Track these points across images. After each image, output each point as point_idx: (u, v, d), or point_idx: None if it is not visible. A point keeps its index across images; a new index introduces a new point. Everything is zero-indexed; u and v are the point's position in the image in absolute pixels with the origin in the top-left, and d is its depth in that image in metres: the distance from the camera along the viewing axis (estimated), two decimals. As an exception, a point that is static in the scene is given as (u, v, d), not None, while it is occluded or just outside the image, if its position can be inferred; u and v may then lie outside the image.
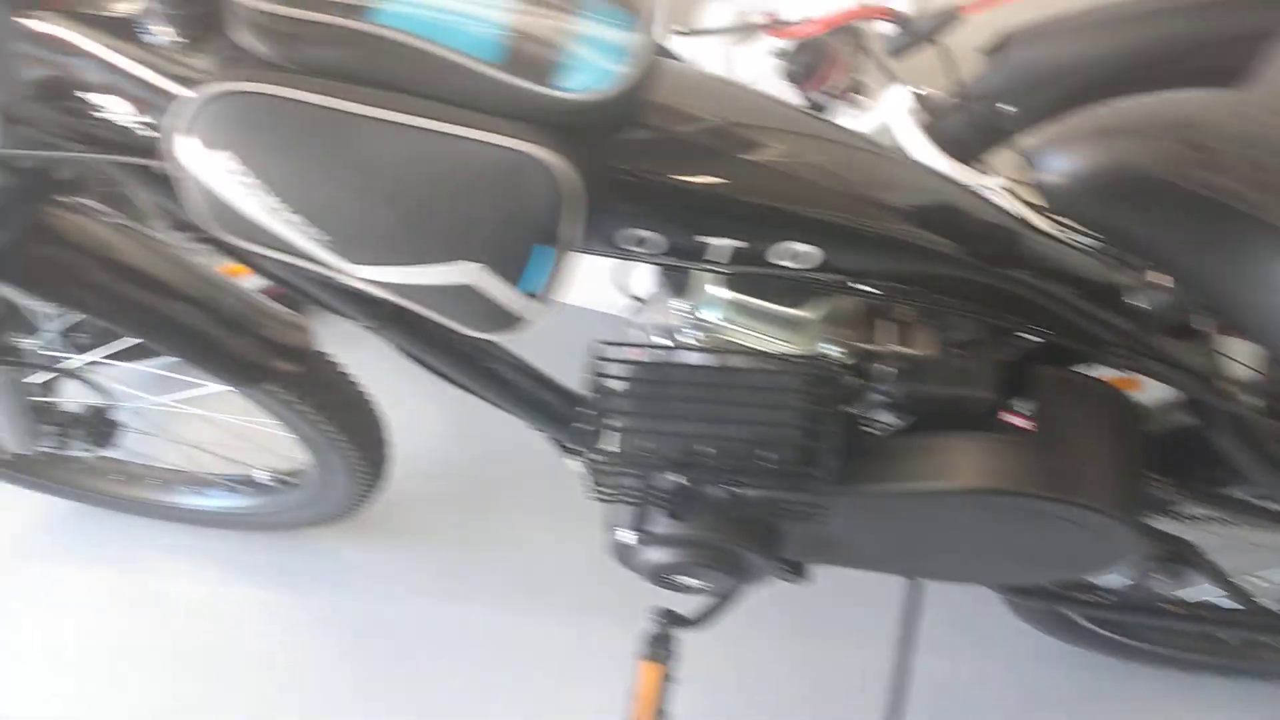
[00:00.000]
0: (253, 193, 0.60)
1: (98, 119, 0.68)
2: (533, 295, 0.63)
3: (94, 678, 1.28)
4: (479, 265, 0.62)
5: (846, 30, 1.18)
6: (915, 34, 1.12)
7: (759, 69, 1.22)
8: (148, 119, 0.66)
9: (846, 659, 1.31)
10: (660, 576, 0.91)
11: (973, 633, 1.32)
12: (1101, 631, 1.21)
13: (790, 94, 1.20)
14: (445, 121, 0.58)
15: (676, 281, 0.83)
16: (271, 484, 1.32)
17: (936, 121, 1.12)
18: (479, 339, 0.97)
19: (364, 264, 0.63)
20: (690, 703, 1.05)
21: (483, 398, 1.02)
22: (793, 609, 1.34)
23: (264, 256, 0.65)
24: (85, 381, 1.02)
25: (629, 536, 0.85)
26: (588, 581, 1.37)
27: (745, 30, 1.22)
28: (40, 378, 1.09)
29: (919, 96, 1.13)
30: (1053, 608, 1.16)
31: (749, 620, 1.15)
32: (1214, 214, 0.63)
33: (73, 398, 1.14)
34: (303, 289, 0.86)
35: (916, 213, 0.71)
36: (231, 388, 0.99)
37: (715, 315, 0.79)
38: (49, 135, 0.73)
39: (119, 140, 0.70)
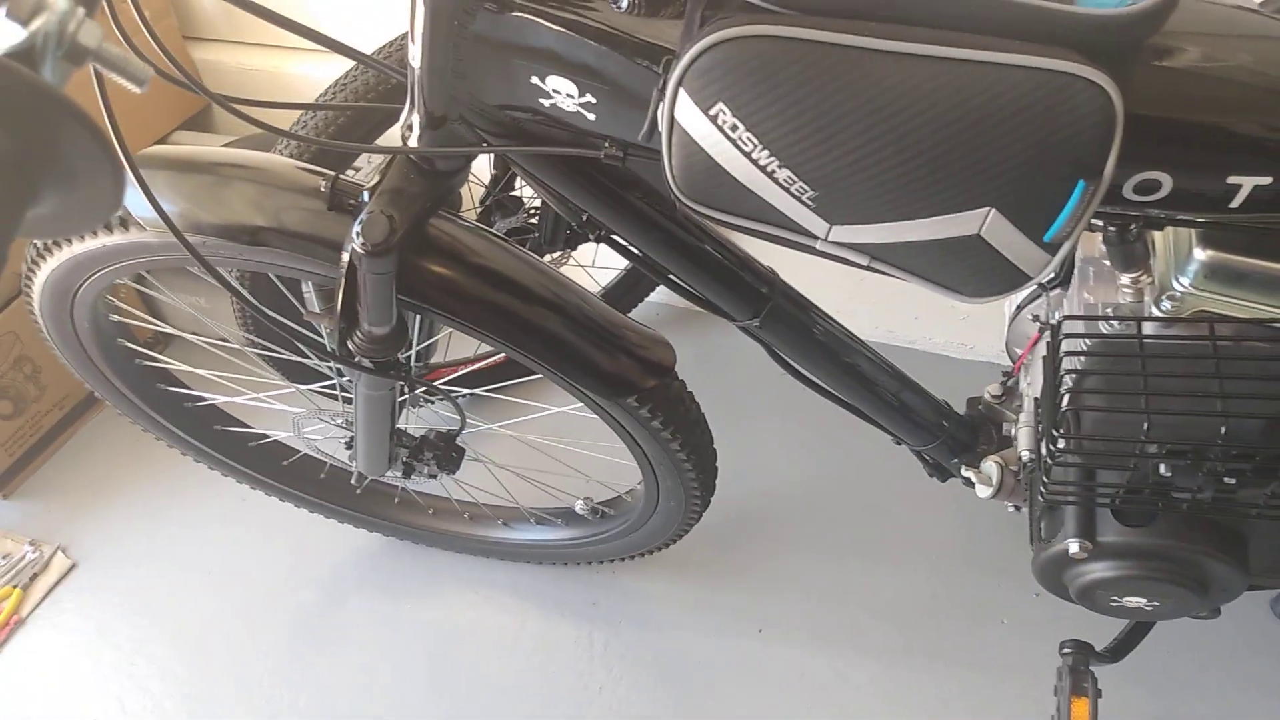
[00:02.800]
0: (742, 146, 0.56)
1: (542, 112, 0.68)
2: (1049, 245, 0.56)
3: (406, 710, 1.28)
4: (994, 212, 0.55)
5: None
6: None
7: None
8: (597, 100, 0.65)
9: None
10: (1093, 595, 0.80)
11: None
12: None
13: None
14: (974, 49, 0.52)
15: (1126, 255, 0.73)
16: (586, 514, 1.29)
17: None
18: (854, 342, 0.91)
19: (845, 223, 0.58)
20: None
21: (851, 406, 0.96)
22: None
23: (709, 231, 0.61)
24: (451, 405, 1.03)
25: (1077, 546, 0.75)
26: (903, 625, 1.32)
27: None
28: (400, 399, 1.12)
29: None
30: None
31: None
32: None
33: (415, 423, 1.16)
34: (693, 284, 0.83)
35: None
36: (599, 402, 0.97)
37: (1189, 283, 0.69)
38: (477, 135, 0.73)
39: (560, 134, 0.69)
